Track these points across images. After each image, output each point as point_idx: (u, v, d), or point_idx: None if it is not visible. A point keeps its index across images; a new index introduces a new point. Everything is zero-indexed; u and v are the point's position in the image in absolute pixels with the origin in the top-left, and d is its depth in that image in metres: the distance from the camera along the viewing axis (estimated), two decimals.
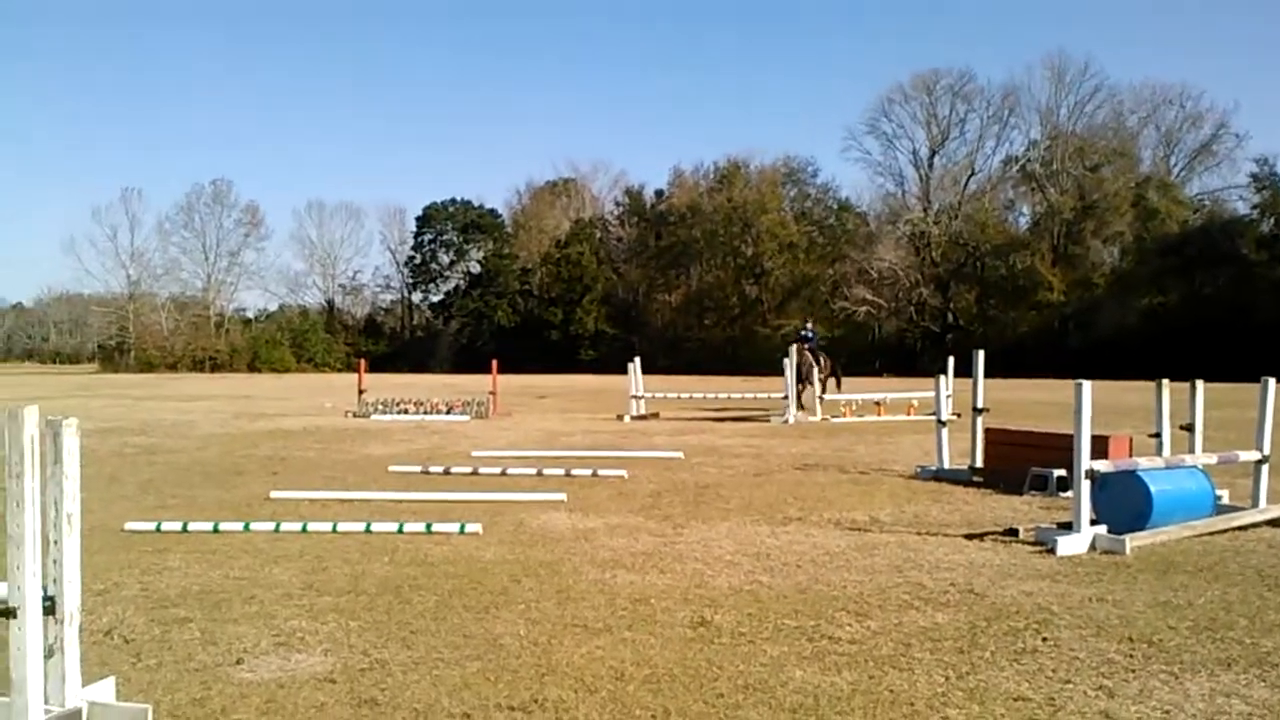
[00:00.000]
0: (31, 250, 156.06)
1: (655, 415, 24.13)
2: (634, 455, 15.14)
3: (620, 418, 23.58)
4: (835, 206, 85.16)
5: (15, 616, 3.99)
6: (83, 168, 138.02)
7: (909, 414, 23.34)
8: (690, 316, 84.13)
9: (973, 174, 77.77)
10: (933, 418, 13.74)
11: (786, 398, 23.01)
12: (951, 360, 14.91)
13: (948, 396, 13.48)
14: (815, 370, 25.24)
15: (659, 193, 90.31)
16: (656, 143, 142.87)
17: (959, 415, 13.81)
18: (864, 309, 74.26)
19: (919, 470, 12.98)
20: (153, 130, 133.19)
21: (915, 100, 78.81)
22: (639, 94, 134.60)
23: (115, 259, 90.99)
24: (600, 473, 12.74)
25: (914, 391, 24.42)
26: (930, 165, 79.41)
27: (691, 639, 5.64)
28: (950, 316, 74.42)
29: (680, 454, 15.23)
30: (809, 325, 28.42)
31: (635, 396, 24.34)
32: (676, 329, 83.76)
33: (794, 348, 24.19)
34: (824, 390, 25.37)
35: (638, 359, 25.21)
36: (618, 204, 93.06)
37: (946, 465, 12.75)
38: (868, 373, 55.27)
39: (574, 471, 12.83)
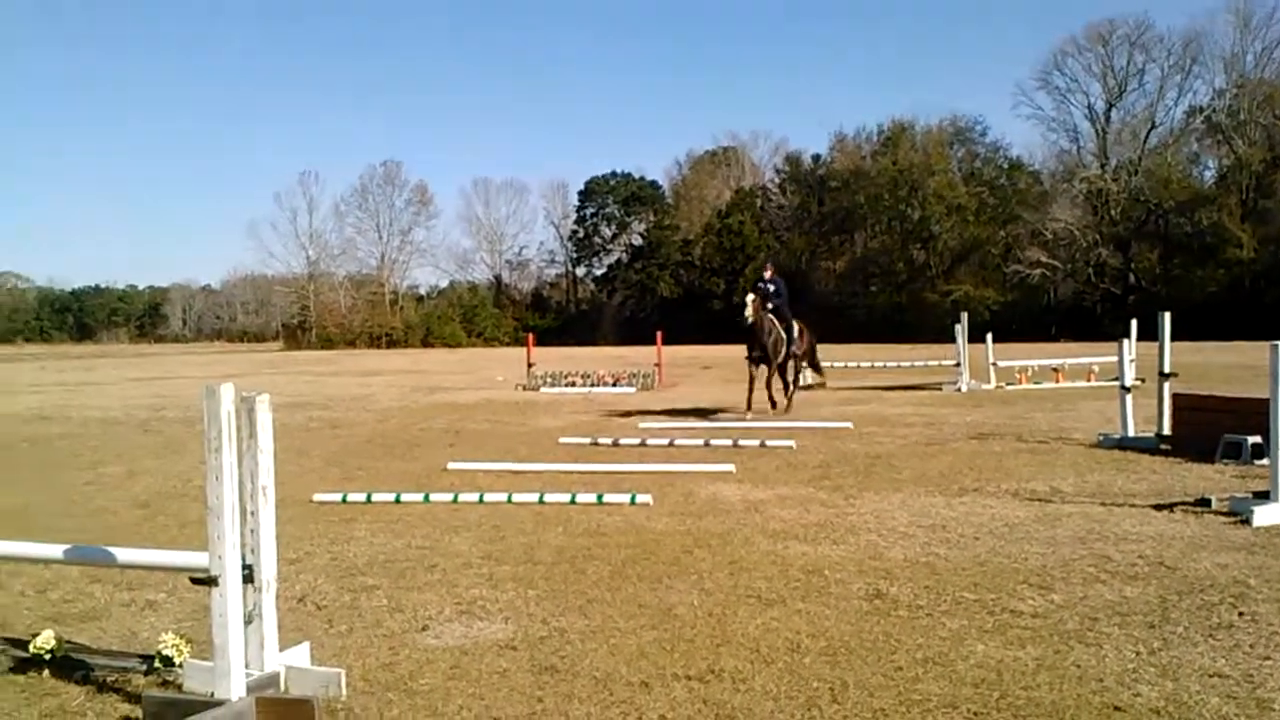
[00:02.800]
0: (218, 234, 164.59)
1: (821, 385, 23.80)
2: (802, 426, 15.00)
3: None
4: (1006, 166, 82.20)
5: (217, 585, 4.19)
6: (264, 153, 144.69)
7: (1089, 380, 22.43)
8: (855, 284, 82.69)
9: (1153, 127, 73.97)
10: (1115, 383, 13.16)
11: (958, 364, 22.39)
12: (1134, 323, 14.22)
13: (1131, 361, 12.89)
14: (786, 344, 16.73)
15: (819, 158, 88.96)
16: (816, 107, 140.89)
17: (1143, 380, 13.19)
18: (1038, 271, 71.63)
19: (1101, 438, 12.46)
20: (328, 115, 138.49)
21: (1090, 52, 75.43)
22: (798, 59, 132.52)
23: (295, 240, 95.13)
24: (768, 443, 12.66)
25: (1093, 356, 23.42)
26: (1107, 119, 75.95)
27: (867, 611, 5.55)
28: (1131, 277, 71.15)
29: (849, 424, 15.01)
30: (767, 274, 17.22)
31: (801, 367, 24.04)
32: (841, 296, 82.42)
33: (750, 305, 16.11)
34: (797, 377, 17.86)
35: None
36: (778, 171, 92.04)
37: (1131, 433, 12.20)
38: (1043, 338, 53.40)
39: (741, 442, 12.78)
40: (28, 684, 4.68)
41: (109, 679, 4.67)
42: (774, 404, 16.76)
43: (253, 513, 4.35)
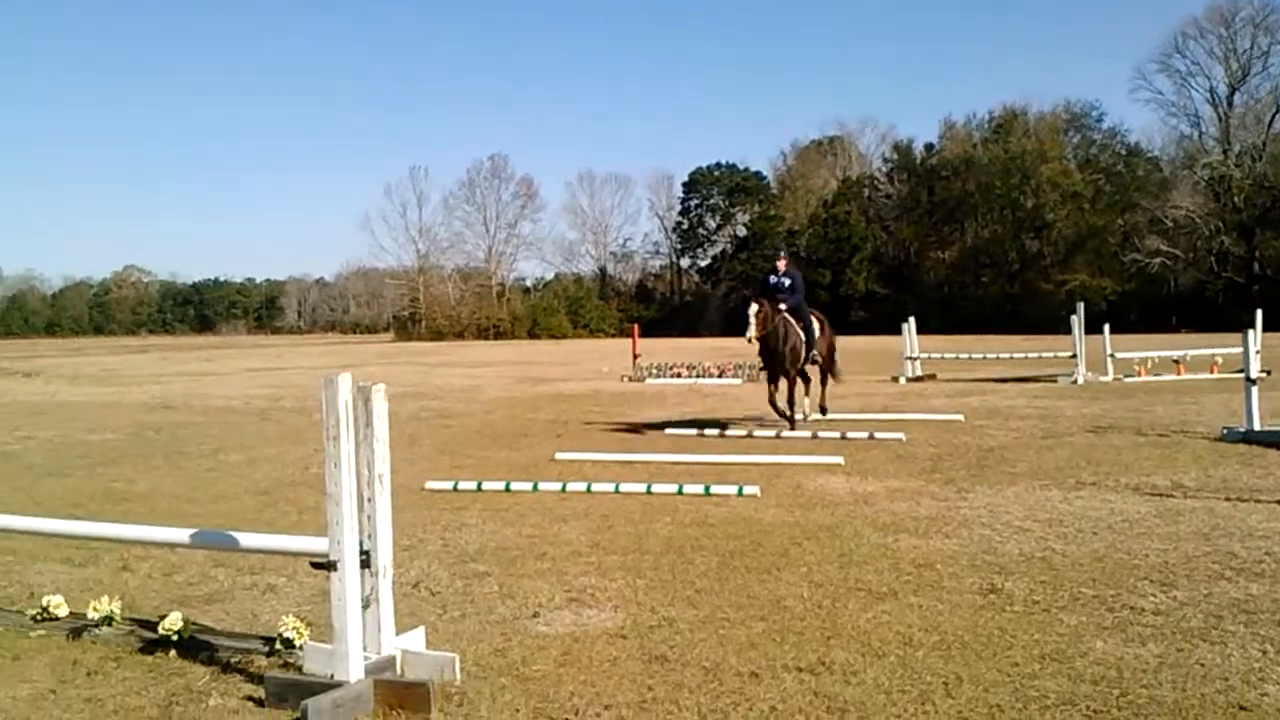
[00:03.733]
0: (332, 229, 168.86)
1: (931, 377, 23.43)
2: (911, 418, 14.78)
3: (895, 379, 23.06)
4: (1124, 152, 79.86)
5: (335, 569, 4.30)
6: (376, 149, 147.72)
7: (1212, 372, 21.66)
8: (965, 274, 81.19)
9: (1278, 111, 70.99)
10: (1240, 375, 12.69)
11: (1074, 356, 21.81)
12: (1260, 313, 13.70)
13: (1256, 352, 12.40)
14: (806, 347, 13.79)
15: (929, 146, 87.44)
16: (925, 95, 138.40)
17: (1269, 372, 12.69)
18: (1158, 260, 69.43)
19: (1226, 432, 12.02)
20: (437, 110, 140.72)
21: (1211, 34, 72.86)
22: (906, 45, 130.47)
23: (405, 234, 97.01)
24: (877, 435, 12.50)
25: (1217, 348, 22.58)
26: (1230, 104, 73.22)
27: (981, 606, 5.45)
28: (1256, 266, 68.53)
29: (960, 416, 14.74)
30: (781, 265, 14.33)
31: (910, 358, 23.70)
32: (951, 287, 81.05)
33: (753, 321, 13.36)
34: (824, 389, 15.05)
35: (911, 319, 24.51)
36: (886, 160, 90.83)
37: (1257, 426, 11.74)
38: (1164, 329, 51.72)
39: (849, 435, 12.65)
40: (155, 664, 4.85)
41: (232, 660, 4.81)
42: (792, 422, 13.54)
43: (369, 499, 4.44)
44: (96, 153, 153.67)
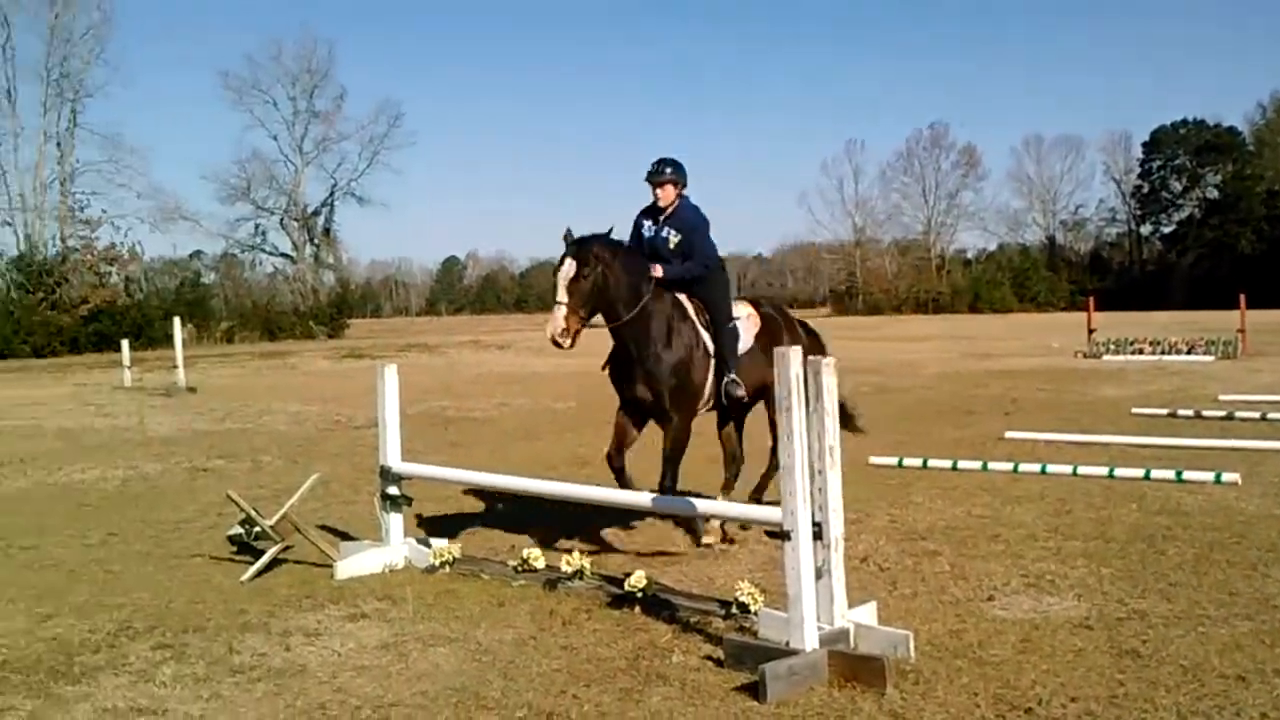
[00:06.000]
0: (770, 205, 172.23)
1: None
2: None
3: None
4: None
5: (789, 539, 4.37)
6: (811, 124, 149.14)
7: None
8: None
9: None
10: None
11: None
12: None
13: None
14: (713, 368, 6.76)
15: None
16: None
17: None
18: None
19: None
20: (871, 82, 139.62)
21: None
22: None
23: (841, 208, 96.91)
24: None
25: None
26: None
27: None
28: None
29: None
30: (664, 196, 6.81)
31: None
32: None
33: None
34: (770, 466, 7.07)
35: None
36: None
37: None
38: None
39: None
40: (622, 618, 5.18)
41: (691, 620, 5.04)
42: (698, 539, 6.84)
43: (820, 472, 4.47)
44: (561, 144, 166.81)
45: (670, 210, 6.80)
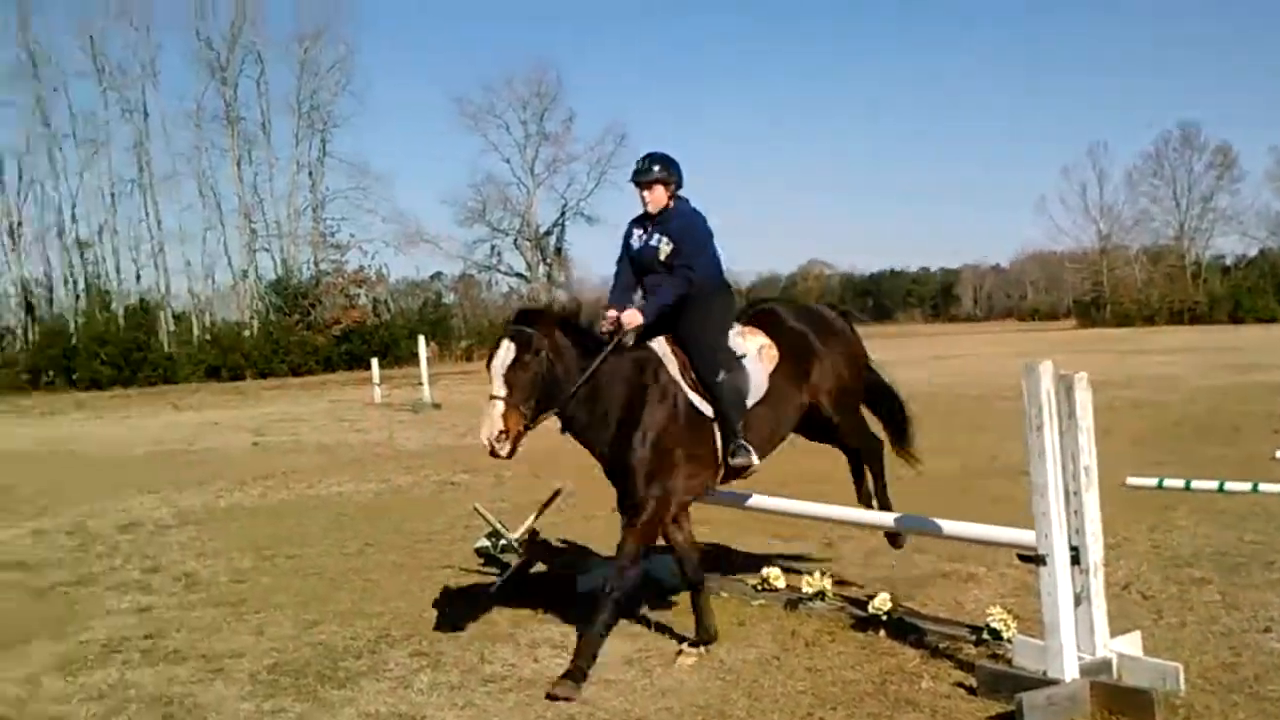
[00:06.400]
0: (1006, 214, 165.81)
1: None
2: None
3: None
4: None
5: (1044, 564, 4.18)
6: (1049, 129, 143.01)
7: None
8: None
9: None
10: None
11: None
12: None
13: None
14: (720, 428, 5.31)
15: None
16: None
17: None
18: None
19: None
20: (1115, 83, 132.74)
21: None
22: None
23: (1085, 214, 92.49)
24: None
25: None
26: None
27: None
28: None
29: None
30: (653, 199, 5.48)
31: None
32: None
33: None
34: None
35: None
36: None
37: None
38: None
39: None
40: (866, 641, 5.09)
41: (940, 645, 4.90)
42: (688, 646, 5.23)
43: (1075, 493, 4.28)
44: (786, 158, 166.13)
45: (659, 213, 5.51)
